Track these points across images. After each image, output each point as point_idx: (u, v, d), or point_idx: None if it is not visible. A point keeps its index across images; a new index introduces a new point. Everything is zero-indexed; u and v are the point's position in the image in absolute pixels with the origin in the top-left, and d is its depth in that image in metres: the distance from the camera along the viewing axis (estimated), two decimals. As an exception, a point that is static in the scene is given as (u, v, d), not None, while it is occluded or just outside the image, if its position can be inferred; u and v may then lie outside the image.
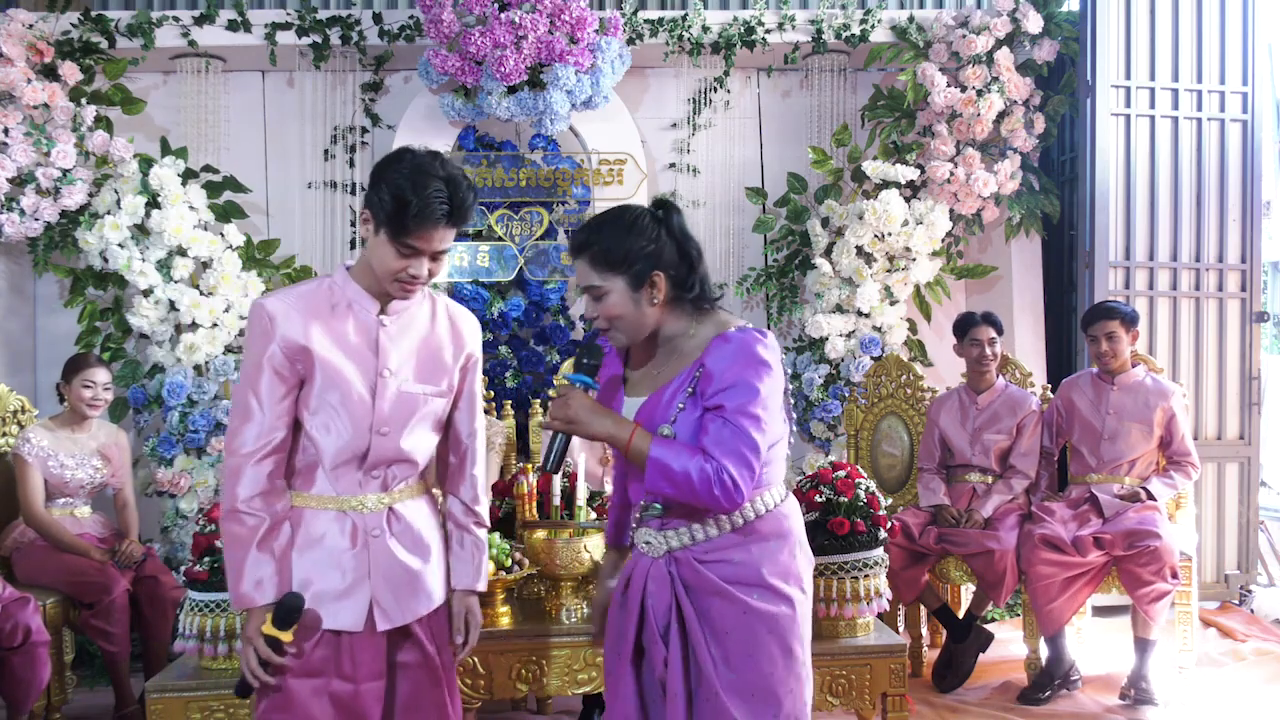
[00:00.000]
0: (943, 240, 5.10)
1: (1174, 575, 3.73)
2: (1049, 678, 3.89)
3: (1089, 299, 4.96)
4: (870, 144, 5.34)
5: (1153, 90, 5.05)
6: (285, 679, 2.00)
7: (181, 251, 4.72)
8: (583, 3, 4.72)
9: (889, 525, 3.18)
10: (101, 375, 3.96)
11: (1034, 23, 5.03)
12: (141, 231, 4.72)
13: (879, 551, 3.11)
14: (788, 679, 1.95)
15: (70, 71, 4.81)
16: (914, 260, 5.06)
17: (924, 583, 4.09)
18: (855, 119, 5.42)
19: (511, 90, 4.76)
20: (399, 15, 5.16)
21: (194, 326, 4.73)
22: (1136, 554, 3.72)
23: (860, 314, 5.08)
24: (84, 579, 3.75)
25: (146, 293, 4.71)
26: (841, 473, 3.19)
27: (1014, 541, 3.94)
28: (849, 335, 5.09)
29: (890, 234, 4.95)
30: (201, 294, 4.74)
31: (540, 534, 2.94)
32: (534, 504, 3.10)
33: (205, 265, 4.80)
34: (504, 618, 2.90)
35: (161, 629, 3.84)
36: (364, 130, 5.32)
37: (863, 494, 3.13)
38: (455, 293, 5.05)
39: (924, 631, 4.39)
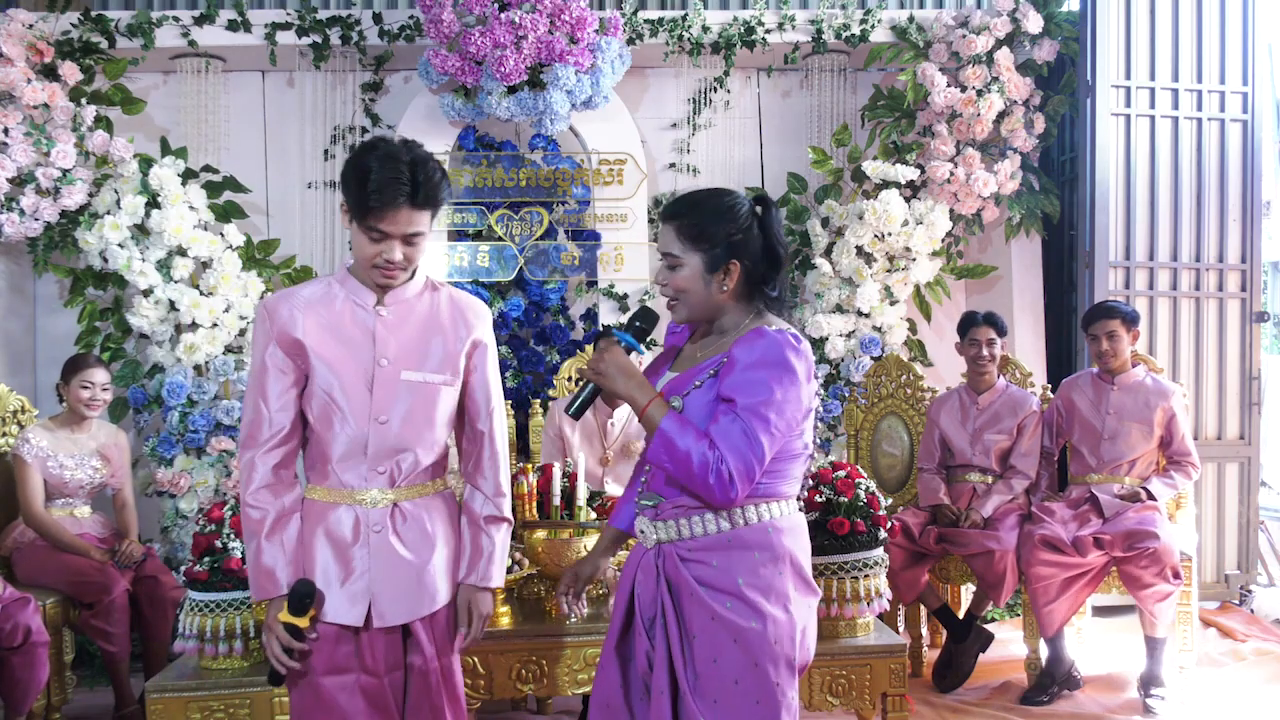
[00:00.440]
0: (943, 240, 5.10)
1: (1175, 575, 3.73)
2: (1050, 679, 3.89)
3: (1089, 299, 4.96)
4: (870, 144, 5.34)
5: (1153, 90, 5.05)
6: (316, 677, 2.04)
7: (181, 251, 4.72)
8: (583, 3, 4.72)
9: (889, 525, 3.18)
10: (100, 375, 3.96)
11: (1034, 23, 5.04)
12: (141, 231, 4.72)
13: (879, 551, 3.11)
14: (755, 695, 1.89)
15: (70, 71, 4.81)
16: (914, 260, 5.06)
17: (924, 583, 4.09)
18: (855, 119, 5.42)
19: (511, 90, 4.76)
20: (399, 15, 5.16)
21: (194, 326, 4.73)
22: (1136, 555, 3.72)
23: (860, 314, 5.08)
24: (84, 579, 3.75)
25: (146, 293, 4.71)
26: (841, 473, 3.19)
27: (1014, 542, 3.93)
28: (849, 335, 5.09)
29: (890, 234, 4.95)
30: (201, 294, 4.74)
31: (540, 534, 2.95)
32: (534, 504, 3.10)
33: (205, 265, 4.80)
34: (504, 618, 2.90)
35: (161, 629, 3.84)
36: (364, 130, 5.31)
37: (863, 494, 3.13)
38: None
39: (924, 631, 4.39)
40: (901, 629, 4.19)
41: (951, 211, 5.13)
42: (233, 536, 2.87)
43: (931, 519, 4.11)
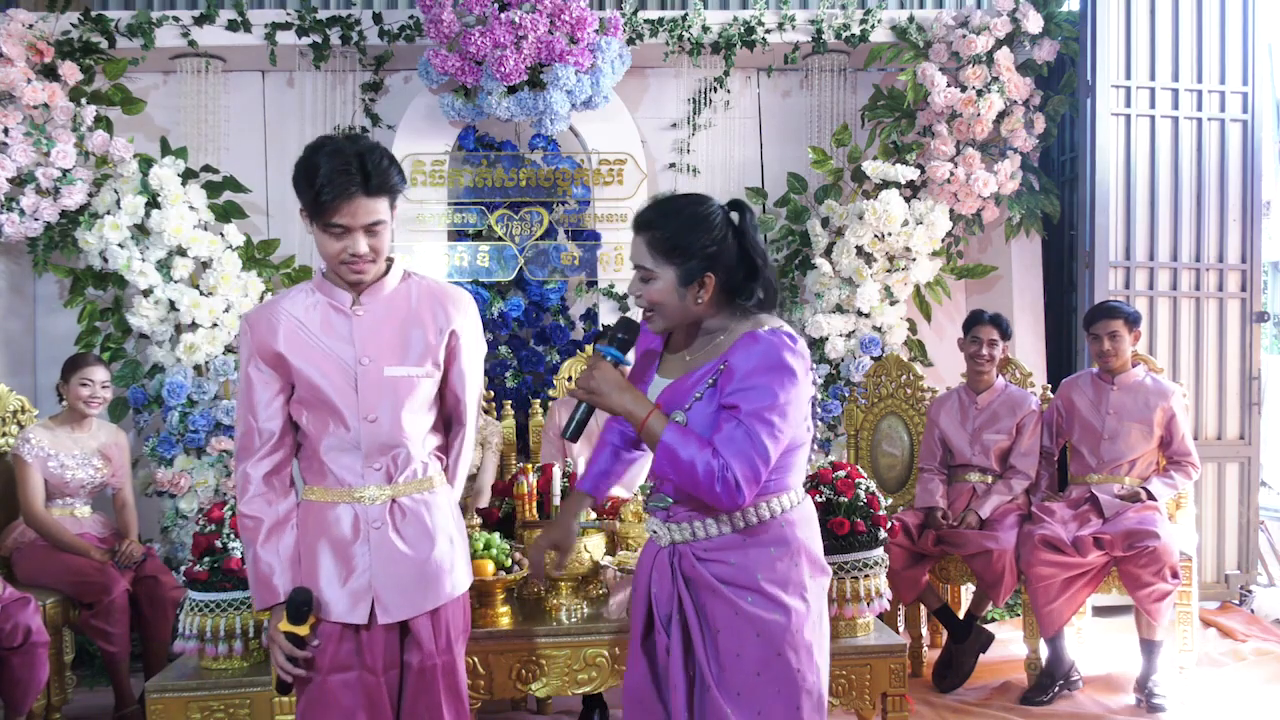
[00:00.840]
0: (943, 240, 5.10)
1: (1174, 575, 3.72)
2: (1050, 679, 3.88)
3: (1089, 299, 4.96)
4: (870, 144, 5.34)
5: (1153, 90, 5.05)
6: (321, 676, 2.05)
7: (181, 251, 4.72)
8: (583, 3, 4.72)
9: (889, 525, 3.18)
10: (99, 374, 3.96)
11: (1034, 23, 5.03)
12: (141, 231, 4.72)
13: (879, 551, 3.11)
14: (777, 684, 1.93)
15: (70, 71, 4.81)
16: (914, 260, 5.06)
17: (924, 583, 4.09)
18: (855, 119, 5.42)
19: (511, 90, 4.76)
20: (399, 15, 5.16)
21: (194, 326, 4.73)
22: (1136, 554, 3.72)
23: (860, 314, 5.08)
24: (84, 579, 3.75)
25: (146, 293, 4.71)
26: (841, 473, 3.19)
27: (1013, 541, 3.93)
28: (849, 335, 5.09)
29: (890, 234, 4.95)
30: (201, 294, 4.74)
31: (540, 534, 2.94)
32: (534, 504, 3.10)
33: (205, 265, 4.80)
34: (504, 618, 2.90)
35: (161, 629, 3.84)
36: (364, 130, 5.31)
37: (863, 494, 3.13)
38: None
39: (924, 631, 4.39)
40: (901, 629, 4.19)
41: (951, 211, 5.13)
42: (232, 536, 2.87)
43: (927, 521, 4.12)
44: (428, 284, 2.20)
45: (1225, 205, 5.10)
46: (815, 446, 5.14)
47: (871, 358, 5.00)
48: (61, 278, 5.00)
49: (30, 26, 4.76)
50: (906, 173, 5.03)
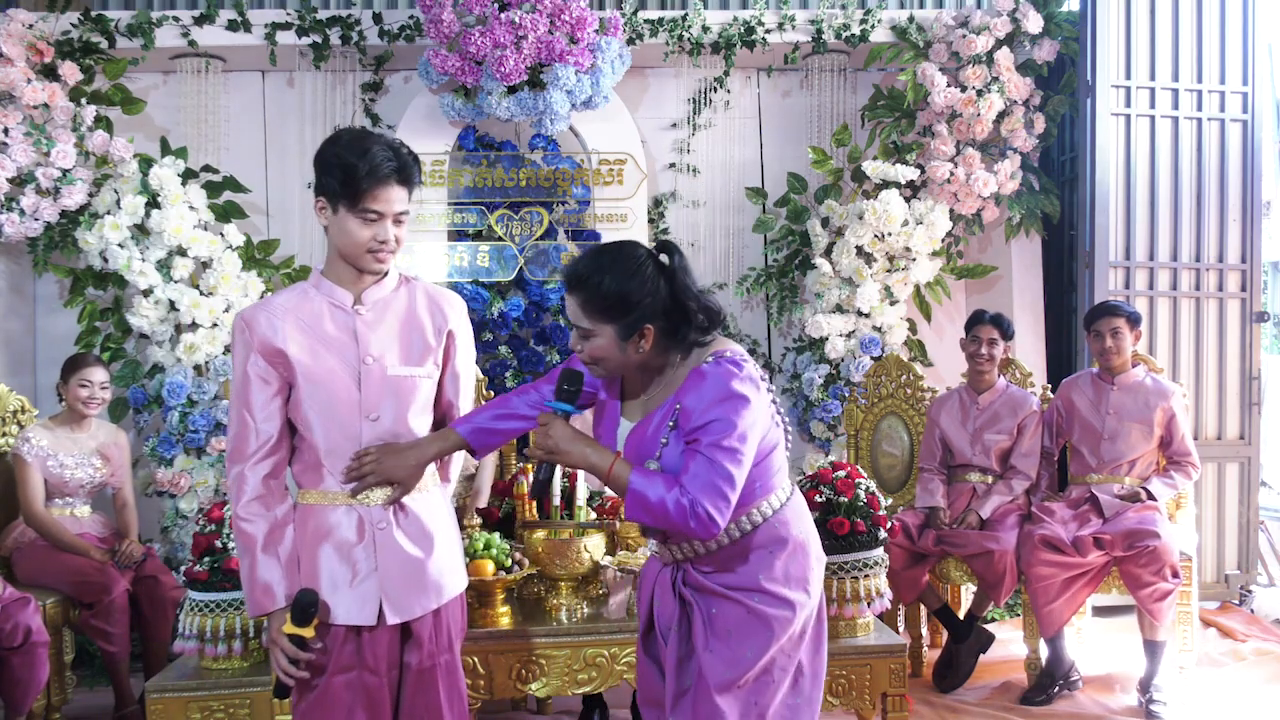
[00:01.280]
0: (943, 240, 5.10)
1: (1174, 575, 3.72)
2: (1049, 679, 3.88)
3: (1089, 299, 4.96)
4: (870, 144, 5.34)
5: (1153, 90, 5.05)
6: (325, 678, 2.05)
7: (181, 251, 4.72)
8: (583, 3, 4.72)
9: (889, 525, 3.18)
10: (98, 374, 3.96)
11: (1034, 23, 5.03)
12: (141, 231, 4.72)
13: (879, 551, 3.11)
14: (783, 675, 2.01)
15: (70, 71, 4.81)
16: (914, 260, 5.06)
17: (924, 583, 4.09)
18: (855, 119, 5.42)
19: (511, 90, 4.76)
20: (399, 15, 5.16)
21: (194, 326, 4.73)
22: (1136, 554, 3.72)
23: (860, 314, 5.08)
24: (84, 579, 3.75)
25: (146, 293, 4.71)
26: (841, 473, 3.20)
27: (1014, 542, 3.93)
28: (849, 335, 5.09)
29: (890, 234, 4.95)
30: (201, 294, 4.74)
31: (540, 534, 2.94)
32: (534, 504, 3.10)
33: (205, 265, 4.80)
34: (504, 618, 2.90)
35: (161, 629, 3.84)
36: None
37: (863, 494, 3.13)
38: (455, 292, 5.05)
39: (924, 631, 4.39)
40: (901, 629, 4.19)
41: (951, 211, 5.13)
42: (232, 537, 2.87)
43: (927, 521, 4.12)
44: (423, 285, 2.23)
45: (1225, 205, 5.10)
46: (816, 447, 5.15)
47: (871, 358, 5.00)
48: (61, 278, 5.00)
49: (30, 26, 4.76)
50: (906, 173, 5.03)
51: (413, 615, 2.09)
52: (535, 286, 5.15)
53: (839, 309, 5.10)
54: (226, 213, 4.95)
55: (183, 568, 3.13)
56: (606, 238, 5.12)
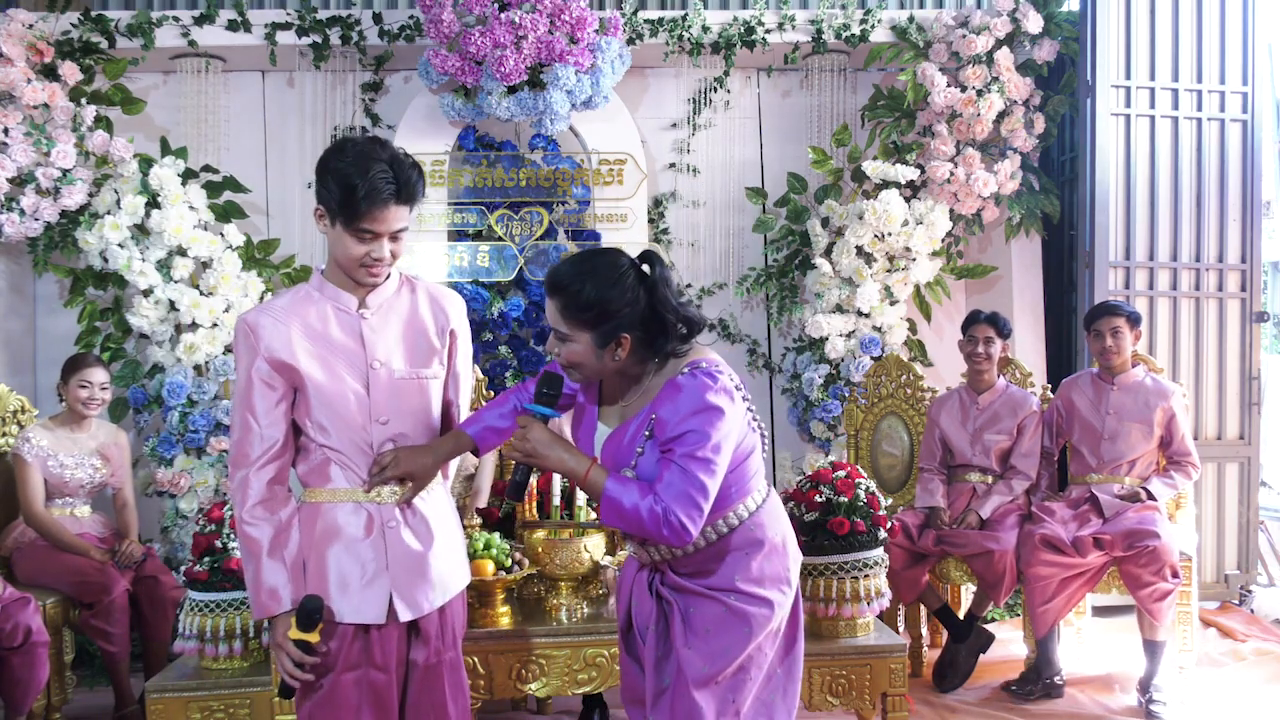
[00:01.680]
0: (943, 240, 5.10)
1: (1174, 574, 3.72)
2: (1035, 675, 3.89)
3: (1089, 299, 4.96)
4: (870, 144, 5.34)
5: (1153, 90, 5.05)
6: (333, 676, 2.05)
7: (181, 251, 4.72)
8: (583, 3, 4.72)
9: (889, 525, 3.18)
10: (98, 375, 3.96)
11: (1034, 23, 5.04)
12: (141, 231, 4.72)
13: (879, 551, 3.11)
14: (757, 671, 2.04)
15: (70, 71, 4.81)
16: (914, 260, 5.06)
17: (924, 583, 4.09)
18: (855, 119, 5.42)
19: (511, 90, 4.76)
20: (399, 15, 5.16)
21: (194, 326, 4.73)
22: (1136, 554, 3.72)
23: (860, 314, 5.08)
24: (84, 579, 3.75)
25: (146, 293, 4.71)
26: (841, 473, 3.20)
27: (1014, 542, 3.93)
28: (849, 335, 5.09)
29: (890, 234, 4.95)
30: (201, 294, 4.74)
31: (540, 534, 2.95)
32: (534, 504, 3.11)
33: (205, 265, 4.80)
34: (504, 618, 2.90)
35: (161, 629, 3.84)
36: (364, 130, 5.31)
37: (863, 494, 3.13)
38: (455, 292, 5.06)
39: (924, 631, 4.39)
40: (901, 629, 4.19)
41: (951, 211, 5.13)
42: (232, 537, 2.87)
43: (927, 521, 4.12)
44: (424, 285, 2.24)
45: (1225, 205, 5.10)
46: (816, 446, 5.15)
47: (871, 358, 5.00)
48: (61, 278, 5.00)
49: (30, 26, 4.76)
50: (906, 173, 5.03)
51: (422, 612, 2.10)
52: (535, 286, 5.16)
53: (839, 309, 5.10)
54: (226, 213, 4.95)
55: (183, 568, 3.13)
56: (606, 238, 5.13)
